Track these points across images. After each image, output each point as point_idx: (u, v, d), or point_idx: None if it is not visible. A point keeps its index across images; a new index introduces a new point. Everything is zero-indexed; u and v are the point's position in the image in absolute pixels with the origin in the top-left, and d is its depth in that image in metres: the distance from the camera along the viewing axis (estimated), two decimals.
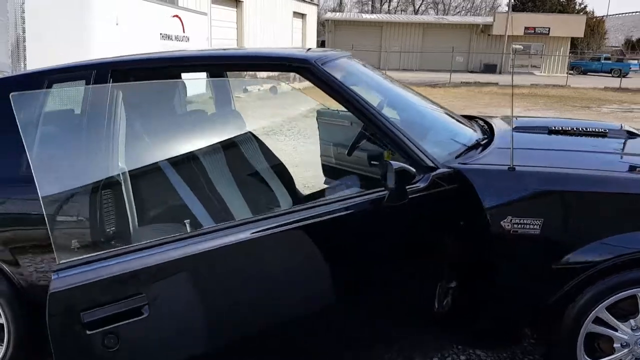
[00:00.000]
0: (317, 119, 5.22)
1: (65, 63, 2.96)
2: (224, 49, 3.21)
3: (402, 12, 45.73)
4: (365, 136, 3.88)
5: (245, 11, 19.55)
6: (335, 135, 5.02)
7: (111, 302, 1.53)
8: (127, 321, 1.54)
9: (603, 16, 43.72)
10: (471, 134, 2.79)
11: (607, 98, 19.89)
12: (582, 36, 33.34)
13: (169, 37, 12.72)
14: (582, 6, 40.10)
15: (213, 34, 16.51)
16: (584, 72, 32.65)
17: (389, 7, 48.11)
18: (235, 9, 19.18)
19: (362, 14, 39.33)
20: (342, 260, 2.12)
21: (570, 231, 2.23)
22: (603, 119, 12.31)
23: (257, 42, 20.32)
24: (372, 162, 4.53)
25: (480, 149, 2.60)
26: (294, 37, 24.99)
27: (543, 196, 2.24)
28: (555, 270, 2.23)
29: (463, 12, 47.17)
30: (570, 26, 31.54)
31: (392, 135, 2.39)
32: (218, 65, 2.72)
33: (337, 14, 36.69)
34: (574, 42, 34.81)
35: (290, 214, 2.02)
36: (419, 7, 47.87)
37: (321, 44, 32.83)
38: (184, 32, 13.54)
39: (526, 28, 31.37)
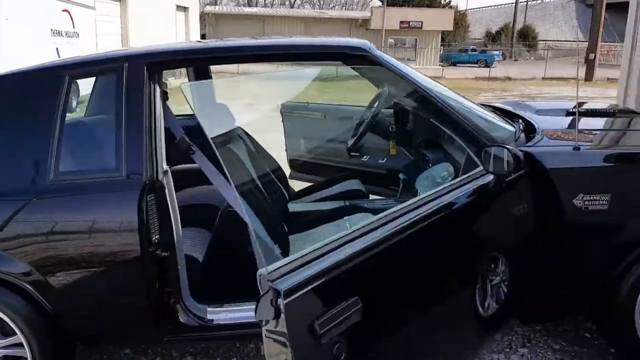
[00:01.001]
0: (281, 112, 5.11)
1: (87, 55, 2.64)
2: (271, 38, 3.04)
3: (282, 6, 45.84)
4: (372, 128, 3.88)
5: (130, 5, 18.53)
6: (305, 128, 4.95)
7: (333, 308, 1.42)
8: (347, 327, 1.43)
9: (465, 10, 47.04)
10: (506, 121, 2.88)
11: (480, 87, 21.46)
12: (452, 29, 35.62)
13: (59, 33, 11.80)
14: (447, 1, 42.76)
15: (98, 29, 15.48)
16: (454, 64, 34.88)
17: (265, 0, 47.99)
18: (119, 3, 18.11)
19: (243, 7, 38.93)
20: (452, 253, 2.10)
21: (635, 204, 2.39)
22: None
23: (142, 36, 19.30)
24: (351, 153, 4.54)
25: (524, 133, 2.70)
26: (178, 30, 24.13)
27: (609, 172, 2.40)
28: (621, 242, 2.40)
29: (338, 6, 48.33)
30: (440, 20, 33.49)
31: (459, 118, 2.42)
32: (270, 55, 2.57)
33: (217, 7, 35.98)
34: (443, 36, 37.04)
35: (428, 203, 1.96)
36: (294, 1, 48.27)
37: (202, 37, 32.00)
38: (74, 27, 12.58)
39: (401, 22, 32.82)
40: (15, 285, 2.40)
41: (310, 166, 4.84)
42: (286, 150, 5.04)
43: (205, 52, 2.58)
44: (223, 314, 2.60)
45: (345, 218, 3.12)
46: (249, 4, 45.25)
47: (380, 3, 39.89)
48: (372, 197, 3.99)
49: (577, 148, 2.42)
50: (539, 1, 54.49)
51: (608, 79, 25.53)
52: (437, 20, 33.25)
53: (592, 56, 26.26)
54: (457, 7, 43.70)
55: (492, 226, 2.24)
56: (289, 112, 5.05)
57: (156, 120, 2.43)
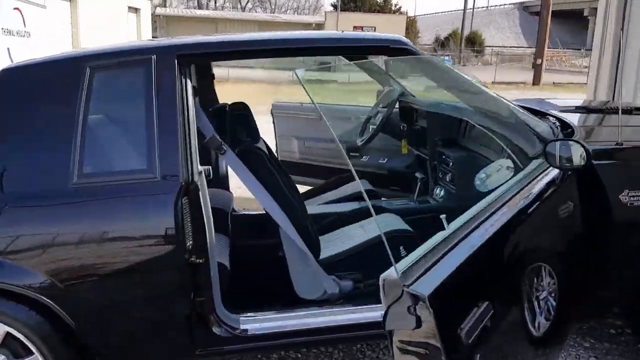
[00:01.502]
0: (272, 113, 4.98)
1: (110, 45, 2.43)
2: (311, 32, 2.90)
3: (234, 9, 45.34)
4: (383, 127, 3.78)
5: (80, 4, 17.88)
6: (298, 128, 4.83)
7: (469, 314, 1.30)
8: (481, 333, 1.32)
9: (414, 16, 47.87)
10: (538, 118, 2.84)
11: None
12: (404, 35, 36.18)
13: (10, 33, 11.19)
14: (398, 7, 43.38)
15: (48, 29, 14.85)
16: None
17: (215, 4, 47.40)
18: (69, 2, 17.44)
19: (195, 10, 38.36)
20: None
21: None
22: None
23: (93, 37, 18.68)
24: (350, 153, 4.45)
25: (560, 130, 2.66)
26: (130, 32, 23.48)
27: None
28: None
29: (290, 10, 48.26)
30: (392, 25, 33.92)
31: (510, 113, 2.36)
32: (313, 49, 2.44)
33: (169, 9, 35.29)
34: None
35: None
36: (245, 4, 47.89)
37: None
38: (25, 26, 11.97)
39: (355, 27, 33.02)
40: (33, 300, 2.18)
41: (305, 167, 4.72)
42: (276, 152, 4.90)
43: (242, 45, 2.41)
44: (257, 324, 2.45)
45: (370, 219, 3.02)
46: (199, 7, 44.55)
47: (331, 8, 40.07)
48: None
49: (619, 144, 2.40)
50: (485, 8, 56.12)
51: (554, 83, 26.53)
52: (389, 25, 33.65)
53: (539, 61, 27.20)
54: (407, 12, 44.41)
55: (558, 222, 2.20)
56: (280, 112, 4.92)
57: (189, 117, 2.26)
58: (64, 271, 2.16)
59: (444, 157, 3.37)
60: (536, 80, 26.58)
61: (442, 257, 1.38)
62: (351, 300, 2.59)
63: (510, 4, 56.40)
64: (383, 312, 1.23)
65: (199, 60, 2.39)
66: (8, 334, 2.23)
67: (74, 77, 2.22)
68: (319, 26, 33.40)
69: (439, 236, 1.48)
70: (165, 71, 2.23)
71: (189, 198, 2.21)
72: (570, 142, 2.06)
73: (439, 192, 3.47)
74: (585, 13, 45.47)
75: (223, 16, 34.48)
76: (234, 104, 2.74)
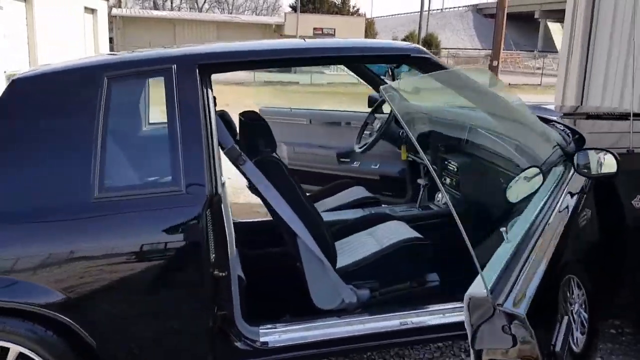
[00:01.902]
0: None
1: (125, 53, 2.34)
2: (332, 40, 2.87)
3: (191, 10, 44.74)
4: (383, 133, 3.78)
5: (36, 5, 17.26)
6: (287, 134, 4.79)
7: (555, 329, 1.30)
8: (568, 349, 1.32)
9: (372, 18, 48.31)
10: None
11: None
12: (364, 37, 36.46)
13: None
14: (355, 9, 43.71)
15: (5, 29, 14.32)
16: None
17: (172, 4, 46.66)
18: (24, 2, 16.81)
19: (152, 11, 37.64)
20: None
21: None
22: None
23: (49, 38, 18.12)
24: (341, 159, 4.44)
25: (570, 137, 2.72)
26: (86, 33, 22.83)
27: None
28: None
29: (248, 11, 47.96)
30: (351, 27, 34.24)
31: (531, 121, 2.40)
32: (338, 57, 2.42)
33: (125, 9, 34.51)
34: None
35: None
36: (202, 5, 47.33)
37: (109, 41, 30.48)
38: None
39: (315, 29, 33.16)
40: (49, 319, 2.09)
41: (295, 173, 4.68)
42: None
43: (266, 54, 2.37)
44: (276, 335, 2.41)
45: (378, 226, 3.01)
46: (155, 7, 43.76)
47: (290, 9, 40.02)
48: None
49: (630, 150, 2.47)
50: (440, 10, 57.09)
51: (510, 84, 27.18)
52: (348, 27, 33.94)
53: (495, 63, 27.80)
54: (365, 14, 44.75)
55: (585, 230, 2.24)
56: (268, 117, 4.86)
57: (212, 128, 2.22)
58: (85, 288, 2.08)
59: (446, 162, 3.40)
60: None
61: (520, 274, 1.37)
62: (368, 309, 2.58)
63: (464, 6, 57.63)
64: (470, 332, 1.22)
65: (221, 70, 2.34)
66: (21, 354, 2.14)
67: (91, 87, 2.14)
68: (279, 27, 33.34)
69: (505, 250, 1.48)
70: (186, 81, 2.17)
71: (212, 210, 2.16)
72: (599, 151, 2.11)
73: (442, 197, 3.49)
74: (536, 15, 46.76)
75: (180, 17, 33.98)
76: (246, 112, 2.70)
